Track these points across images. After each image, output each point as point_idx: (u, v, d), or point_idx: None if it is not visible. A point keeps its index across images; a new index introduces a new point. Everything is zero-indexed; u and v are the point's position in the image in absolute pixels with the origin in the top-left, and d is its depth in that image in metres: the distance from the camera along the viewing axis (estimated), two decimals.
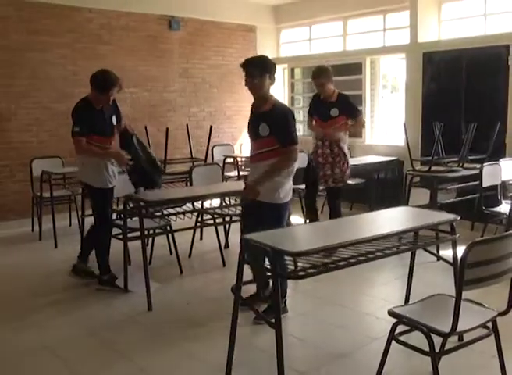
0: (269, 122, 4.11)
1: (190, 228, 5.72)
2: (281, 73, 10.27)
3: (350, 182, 7.85)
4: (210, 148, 8.05)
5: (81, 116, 4.93)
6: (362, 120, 6.51)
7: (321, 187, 6.49)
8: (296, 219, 7.40)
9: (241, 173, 8.26)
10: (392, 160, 7.89)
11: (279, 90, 10.22)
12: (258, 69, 4.17)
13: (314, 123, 6.53)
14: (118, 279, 5.11)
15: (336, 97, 6.21)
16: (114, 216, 5.53)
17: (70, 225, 5.65)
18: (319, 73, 6.17)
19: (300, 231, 3.89)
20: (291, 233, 3.72)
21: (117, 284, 5.08)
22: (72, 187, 7.06)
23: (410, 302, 3.88)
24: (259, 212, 4.19)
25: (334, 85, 6.27)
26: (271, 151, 4.15)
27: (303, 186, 7.54)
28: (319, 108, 6.35)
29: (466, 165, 6.47)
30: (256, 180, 4.18)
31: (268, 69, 4.24)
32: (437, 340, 2.86)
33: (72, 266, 5.26)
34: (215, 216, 5.89)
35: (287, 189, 4.29)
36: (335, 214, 6.25)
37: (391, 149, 8.15)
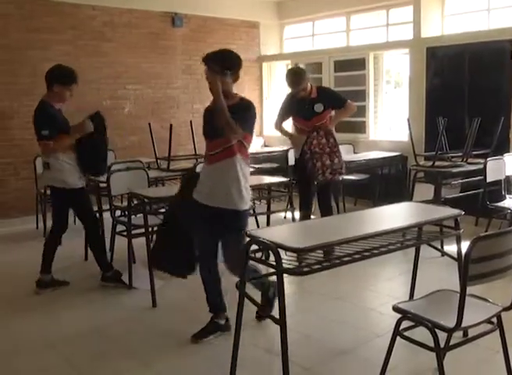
0: (236, 117, 3.71)
1: None
2: (284, 69, 10.25)
3: (353, 177, 7.87)
4: None
5: (46, 119, 4.80)
6: (351, 105, 6.02)
7: (318, 181, 5.98)
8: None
9: None
10: (396, 155, 7.87)
11: (283, 86, 10.20)
12: (219, 65, 3.78)
13: (292, 128, 6.15)
14: (123, 275, 5.12)
15: (315, 92, 5.88)
16: (118, 212, 5.53)
17: (75, 222, 5.67)
18: (297, 81, 5.76)
19: (303, 227, 3.88)
20: (295, 229, 3.73)
21: (123, 280, 5.09)
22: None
23: (414, 298, 3.89)
24: (221, 221, 3.90)
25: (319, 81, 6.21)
26: (231, 147, 3.81)
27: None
28: (299, 107, 5.86)
29: (470, 160, 6.45)
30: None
31: (230, 65, 3.83)
32: (442, 335, 2.86)
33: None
34: None
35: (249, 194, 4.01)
36: (326, 211, 5.91)
37: (395, 144, 8.13)
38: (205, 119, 4.06)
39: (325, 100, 5.82)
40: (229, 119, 3.61)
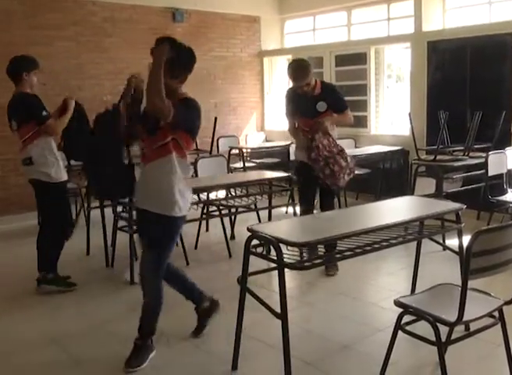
0: (176, 109, 3.35)
1: (195, 220, 5.72)
2: (285, 64, 10.24)
3: (356, 172, 7.85)
4: (215, 139, 8.05)
5: (38, 102, 4.76)
6: (350, 115, 5.38)
7: (338, 187, 5.49)
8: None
9: (246, 164, 8.27)
10: (398, 150, 7.86)
11: (284, 80, 10.20)
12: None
13: (296, 125, 5.45)
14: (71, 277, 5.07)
15: (319, 88, 5.23)
16: (119, 208, 5.54)
17: (77, 218, 5.68)
18: (301, 75, 5.09)
19: (305, 222, 3.88)
20: (296, 224, 3.73)
21: (71, 282, 5.02)
22: (78, 180, 7.05)
23: (416, 292, 3.89)
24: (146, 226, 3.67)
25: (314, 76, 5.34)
26: (166, 145, 3.45)
27: None
28: (302, 104, 5.25)
29: (471, 154, 6.44)
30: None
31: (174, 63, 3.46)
32: (443, 330, 2.86)
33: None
34: (221, 207, 5.89)
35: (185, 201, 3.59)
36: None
37: (396, 139, 8.12)
38: (143, 116, 3.58)
39: (328, 98, 5.21)
40: (159, 84, 3.24)
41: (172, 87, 3.48)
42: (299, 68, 5.15)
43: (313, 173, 5.10)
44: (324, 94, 5.20)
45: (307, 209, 5.34)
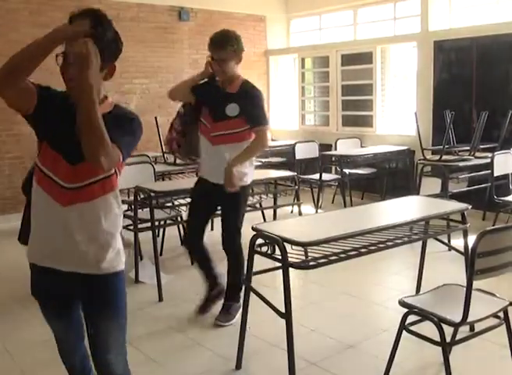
0: (115, 134, 2.29)
1: None
2: (291, 63, 10.25)
3: (360, 171, 7.87)
4: None
5: None
6: (266, 136, 3.99)
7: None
8: (308, 208, 7.41)
9: None
10: (403, 150, 7.84)
11: (290, 80, 10.20)
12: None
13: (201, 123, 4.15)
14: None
15: (237, 86, 4.02)
16: (125, 207, 5.54)
17: None
18: (223, 42, 3.91)
19: (309, 221, 3.88)
20: (301, 223, 3.72)
21: None
22: None
23: (421, 292, 3.88)
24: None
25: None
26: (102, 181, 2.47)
27: (315, 176, 7.55)
28: (213, 98, 4.07)
29: (477, 154, 6.44)
30: None
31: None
32: (448, 330, 2.85)
33: None
34: None
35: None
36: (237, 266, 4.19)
37: (402, 139, 8.11)
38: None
39: (243, 103, 3.96)
40: (104, 134, 2.05)
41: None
42: (222, 34, 3.97)
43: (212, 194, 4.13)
44: (239, 96, 3.98)
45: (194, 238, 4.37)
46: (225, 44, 3.92)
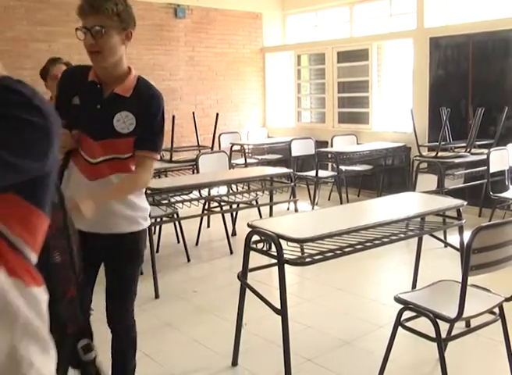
0: None
1: (197, 216, 5.73)
2: (287, 60, 10.25)
3: (356, 168, 7.87)
4: (217, 135, 8.04)
5: None
6: (152, 166, 2.60)
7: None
8: (304, 205, 7.41)
9: (248, 161, 8.28)
10: (400, 146, 7.84)
11: (286, 77, 10.20)
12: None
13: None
14: None
15: (131, 86, 2.64)
16: None
17: None
18: (98, 5, 2.47)
19: (306, 218, 3.89)
20: (297, 220, 3.73)
21: None
22: None
23: (416, 288, 3.89)
24: None
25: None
26: None
27: (312, 173, 7.56)
28: (91, 105, 2.57)
29: (473, 150, 6.45)
30: None
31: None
32: (444, 326, 2.86)
33: None
34: (222, 203, 5.90)
35: None
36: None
37: (398, 135, 8.11)
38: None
39: (141, 111, 2.55)
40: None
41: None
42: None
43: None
44: (135, 101, 2.57)
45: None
46: (102, 4, 2.48)
